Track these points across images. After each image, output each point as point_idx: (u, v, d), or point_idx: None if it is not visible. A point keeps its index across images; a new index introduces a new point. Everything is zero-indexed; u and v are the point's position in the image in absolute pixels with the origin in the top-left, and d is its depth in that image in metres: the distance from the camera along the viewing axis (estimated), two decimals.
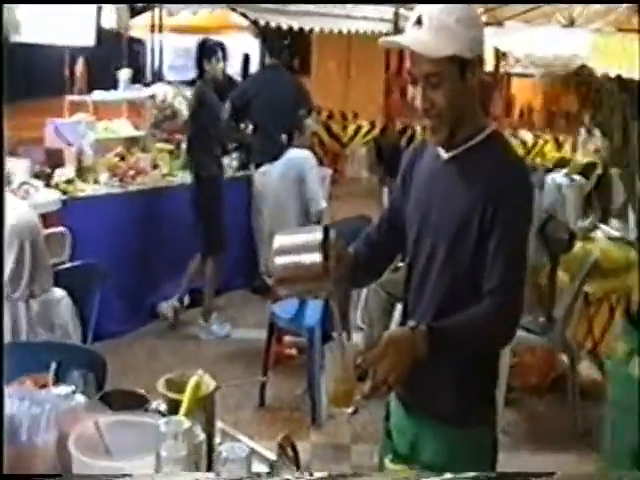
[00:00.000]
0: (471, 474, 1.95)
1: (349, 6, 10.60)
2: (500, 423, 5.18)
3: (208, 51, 7.02)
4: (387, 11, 11.22)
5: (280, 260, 2.35)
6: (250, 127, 7.81)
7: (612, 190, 7.37)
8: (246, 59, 12.42)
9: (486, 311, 2.38)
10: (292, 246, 2.37)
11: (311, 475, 2.16)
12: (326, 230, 2.38)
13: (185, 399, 2.27)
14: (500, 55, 13.37)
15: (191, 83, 9.12)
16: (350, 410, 2.38)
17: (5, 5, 6.17)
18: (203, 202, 6.78)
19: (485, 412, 2.61)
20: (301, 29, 10.36)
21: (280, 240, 2.39)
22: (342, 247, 2.52)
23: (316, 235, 2.35)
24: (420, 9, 2.39)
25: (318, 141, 13.44)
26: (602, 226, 6.47)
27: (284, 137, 6.85)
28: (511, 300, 2.40)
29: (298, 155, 6.65)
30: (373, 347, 2.28)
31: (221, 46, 7.13)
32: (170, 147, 7.82)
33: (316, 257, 2.30)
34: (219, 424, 2.47)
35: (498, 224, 2.37)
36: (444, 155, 2.51)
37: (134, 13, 11.24)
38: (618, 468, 2.02)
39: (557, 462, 4.67)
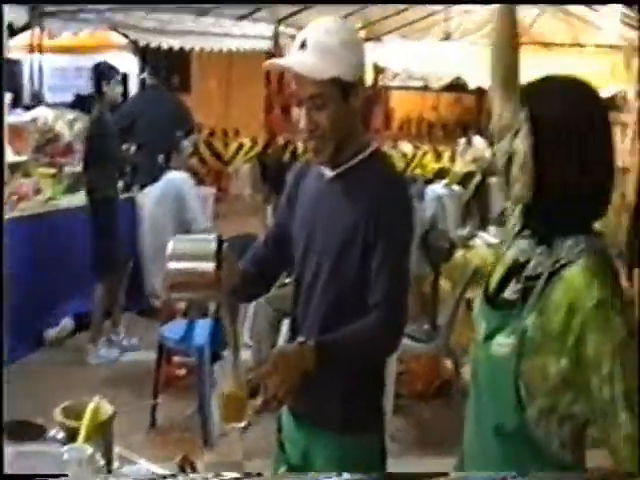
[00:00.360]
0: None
1: (228, 24, 10.64)
2: (388, 430, 5.27)
3: (107, 74, 6.98)
4: (267, 29, 11.32)
5: (174, 265, 2.41)
6: (133, 148, 7.77)
7: (490, 198, 7.58)
8: (125, 78, 12.30)
9: (371, 324, 2.45)
10: (186, 253, 2.44)
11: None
12: (219, 240, 2.45)
13: (84, 426, 2.27)
14: (379, 69, 13.59)
15: (72, 105, 9.05)
16: (242, 425, 2.41)
17: None
18: (98, 225, 6.71)
19: (373, 419, 2.68)
20: (181, 48, 10.37)
21: (174, 246, 2.45)
22: (233, 259, 2.57)
23: (210, 244, 2.42)
24: (305, 33, 2.47)
25: (200, 159, 13.45)
26: (481, 234, 6.65)
27: (161, 158, 6.84)
28: (395, 313, 2.49)
29: (176, 177, 6.62)
30: (263, 363, 2.33)
31: (116, 69, 7.12)
32: (53, 171, 7.68)
33: (209, 265, 2.37)
34: (116, 448, 2.47)
35: (380, 239, 2.45)
36: (328, 174, 2.58)
37: (12, 33, 11.02)
38: (484, 449, 2.13)
39: (446, 466, 4.77)
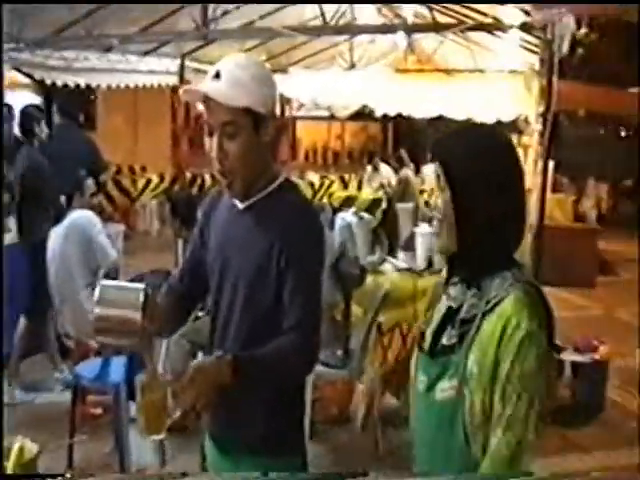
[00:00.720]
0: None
1: (134, 60, 10.63)
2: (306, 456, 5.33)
3: (37, 115, 7.11)
4: (173, 64, 11.34)
5: (101, 311, 2.45)
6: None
7: (398, 224, 7.70)
8: None
9: (286, 345, 2.51)
10: (114, 300, 2.47)
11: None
12: (146, 291, 2.50)
13: (10, 465, 2.27)
14: (285, 100, 13.70)
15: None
16: (162, 436, 2.44)
17: None
18: (30, 265, 6.66)
19: (295, 442, 2.74)
20: (87, 85, 10.31)
21: (102, 291, 2.48)
22: (157, 307, 2.60)
23: (139, 294, 2.47)
24: (218, 65, 2.52)
25: (107, 197, 13.36)
26: (390, 259, 6.75)
27: (63, 199, 6.79)
28: (308, 337, 2.55)
29: (80, 216, 6.54)
30: (181, 376, 2.36)
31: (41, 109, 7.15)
32: None
33: (137, 315, 2.43)
34: None
35: (292, 268, 2.53)
36: (240, 205, 2.65)
37: None
38: None
39: None
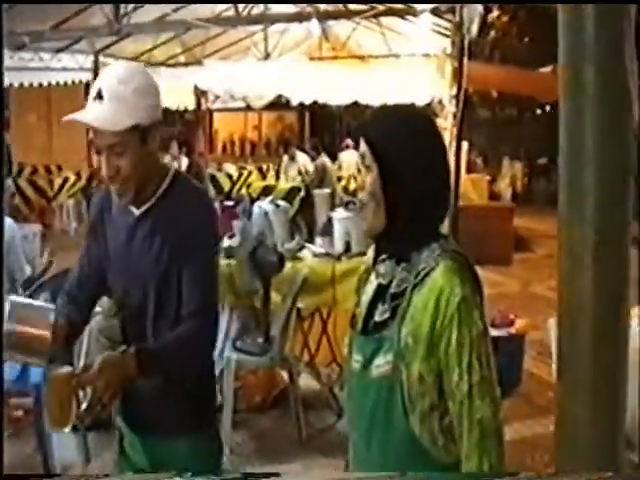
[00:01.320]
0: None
1: (47, 57, 10.53)
2: (229, 444, 5.40)
3: None
4: (87, 60, 11.24)
5: (11, 327, 2.51)
6: None
7: (315, 210, 7.75)
8: None
9: (184, 334, 2.61)
10: (25, 318, 2.55)
11: None
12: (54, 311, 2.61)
13: None
14: (200, 93, 13.65)
15: None
16: (68, 429, 2.49)
17: None
18: None
19: (207, 419, 2.85)
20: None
21: (13, 308, 2.55)
22: (62, 326, 2.66)
23: (50, 314, 2.59)
24: (99, 82, 2.55)
25: (23, 198, 13.18)
26: (309, 245, 6.81)
27: None
28: (205, 323, 2.65)
29: None
30: (88, 369, 2.43)
31: None
32: None
33: (47, 334, 2.53)
34: None
35: (186, 260, 2.61)
36: (135, 211, 2.69)
37: None
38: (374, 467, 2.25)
39: (286, 471, 4.94)
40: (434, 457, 2.11)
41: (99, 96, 2.50)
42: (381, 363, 2.10)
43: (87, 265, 2.88)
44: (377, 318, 2.16)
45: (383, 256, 2.20)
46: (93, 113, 2.51)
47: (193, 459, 2.70)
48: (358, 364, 2.18)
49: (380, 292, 2.19)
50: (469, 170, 12.81)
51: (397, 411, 2.09)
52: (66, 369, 2.46)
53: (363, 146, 2.14)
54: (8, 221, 6.30)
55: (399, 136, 2.12)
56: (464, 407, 2.04)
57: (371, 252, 2.28)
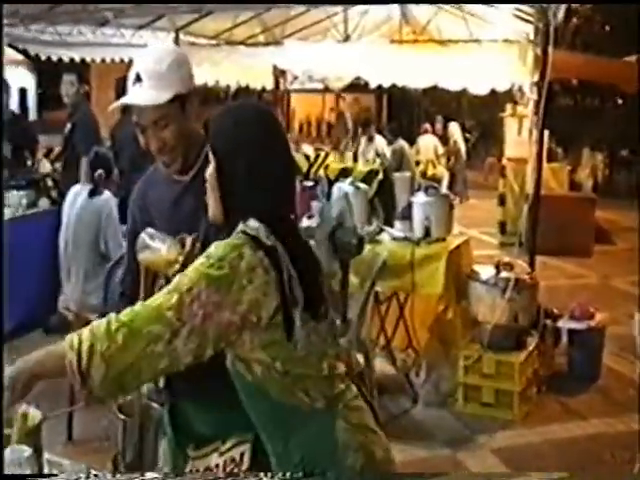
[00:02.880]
0: None
1: (128, 34, 10.60)
2: None
3: None
4: (167, 38, 11.30)
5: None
6: (48, 165, 7.66)
7: (394, 193, 7.69)
8: (23, 94, 12.16)
9: None
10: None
11: None
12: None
13: (15, 431, 2.29)
14: (279, 72, 13.64)
15: None
16: None
17: None
18: None
19: None
20: (82, 60, 10.29)
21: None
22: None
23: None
24: (136, 67, 2.69)
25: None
26: (387, 228, 6.76)
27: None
28: None
29: (101, 199, 6.32)
30: None
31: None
32: None
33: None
34: (45, 455, 2.49)
35: None
36: (182, 179, 2.80)
37: None
38: None
39: None
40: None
41: (138, 79, 2.66)
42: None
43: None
44: None
45: None
46: (135, 95, 2.67)
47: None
48: None
49: None
50: (549, 159, 12.60)
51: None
52: None
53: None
54: (106, 194, 6.32)
55: (226, 131, 2.31)
56: None
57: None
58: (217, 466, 2.77)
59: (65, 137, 7.64)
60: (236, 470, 2.74)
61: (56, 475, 2.15)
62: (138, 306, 2.17)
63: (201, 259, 2.19)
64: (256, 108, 2.45)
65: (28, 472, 2.11)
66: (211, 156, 2.33)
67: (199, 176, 2.70)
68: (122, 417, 2.44)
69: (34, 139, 8.32)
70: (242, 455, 2.73)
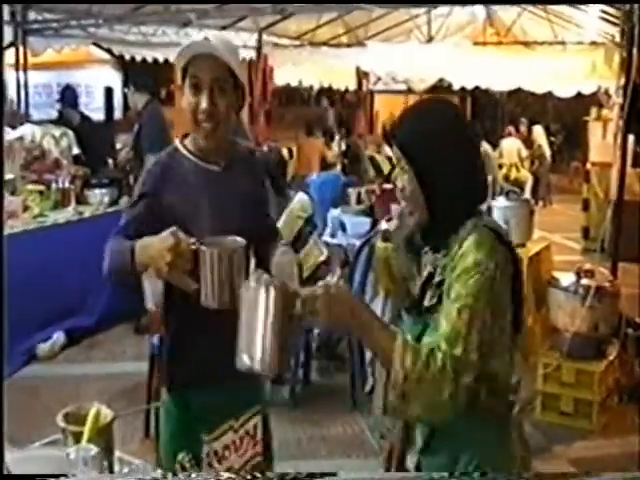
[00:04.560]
0: None
1: (212, 35, 10.70)
2: (380, 430, 5.35)
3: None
4: (250, 38, 11.40)
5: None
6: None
7: None
8: (109, 93, 12.35)
9: None
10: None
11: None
12: None
13: (86, 429, 2.32)
14: (362, 74, 13.66)
15: (56, 122, 9.10)
16: None
17: None
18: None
19: None
20: (166, 59, 10.42)
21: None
22: None
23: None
24: (200, 35, 2.77)
25: None
26: None
27: None
28: None
29: None
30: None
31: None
32: (40, 188, 7.68)
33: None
34: (117, 453, 2.53)
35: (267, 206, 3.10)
36: (213, 168, 2.86)
37: None
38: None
39: None
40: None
41: (205, 39, 2.73)
42: (430, 340, 2.19)
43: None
44: (426, 304, 2.28)
45: (426, 248, 2.34)
46: (208, 44, 2.72)
47: None
48: None
49: (428, 280, 2.29)
50: (635, 164, 12.34)
51: None
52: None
53: (396, 150, 2.28)
54: None
55: (427, 136, 2.24)
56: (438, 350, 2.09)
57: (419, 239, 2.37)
58: (233, 443, 2.87)
59: (134, 137, 7.77)
60: (252, 443, 2.91)
61: (66, 475, 2.17)
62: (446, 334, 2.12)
63: (469, 268, 2.13)
64: (448, 106, 2.38)
65: (94, 471, 2.14)
66: (405, 165, 2.26)
67: (230, 169, 2.88)
68: None
69: (105, 140, 8.44)
70: (255, 427, 2.90)
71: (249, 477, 2.65)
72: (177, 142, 2.94)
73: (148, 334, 6.97)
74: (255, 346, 2.09)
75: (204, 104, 2.70)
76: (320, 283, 2.17)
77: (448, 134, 2.26)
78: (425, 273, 2.32)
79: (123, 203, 7.79)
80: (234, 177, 2.90)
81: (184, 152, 2.88)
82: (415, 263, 2.39)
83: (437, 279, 2.24)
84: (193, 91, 2.72)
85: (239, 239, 2.47)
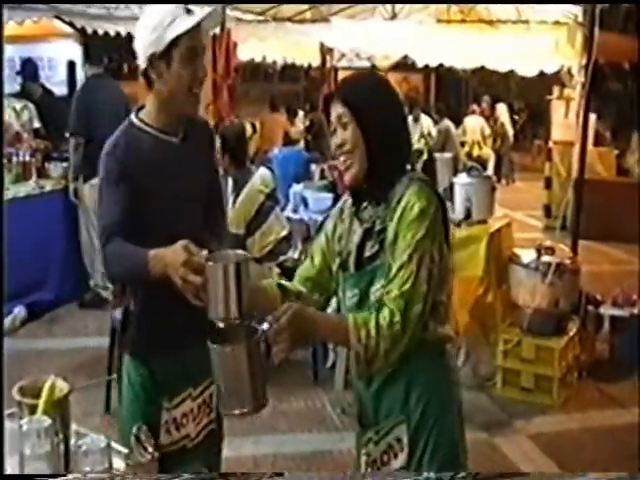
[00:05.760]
0: None
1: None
2: (341, 404, 5.40)
3: None
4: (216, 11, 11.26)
5: None
6: (73, 141, 7.68)
7: (436, 173, 7.64)
8: (71, 67, 12.19)
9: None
10: None
11: None
12: None
13: (41, 402, 2.31)
14: (326, 50, 13.59)
15: (17, 95, 8.97)
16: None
17: None
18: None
19: None
20: (129, 34, 10.28)
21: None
22: None
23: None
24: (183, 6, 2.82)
25: None
26: None
27: None
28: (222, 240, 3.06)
29: None
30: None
31: None
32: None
33: None
34: (73, 426, 2.51)
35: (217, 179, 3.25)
36: (172, 140, 2.91)
37: None
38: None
39: None
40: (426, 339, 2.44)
41: (188, 12, 2.80)
42: (378, 287, 2.42)
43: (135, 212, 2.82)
44: (367, 254, 2.49)
45: (364, 203, 2.54)
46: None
47: None
48: (355, 298, 2.50)
49: (366, 234, 2.50)
50: (597, 143, 12.44)
51: None
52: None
53: (339, 107, 2.48)
54: None
55: (372, 92, 2.51)
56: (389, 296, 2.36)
57: (350, 202, 2.61)
58: (191, 410, 2.98)
59: None
60: (207, 411, 3.02)
61: (64, 475, 2.16)
62: (400, 291, 2.34)
63: (417, 216, 2.35)
64: (382, 76, 2.90)
65: (47, 443, 2.12)
66: (350, 121, 2.46)
67: (187, 139, 2.94)
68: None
69: (66, 113, 8.35)
70: (211, 396, 2.99)
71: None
72: (132, 117, 2.92)
73: (94, 309, 7.02)
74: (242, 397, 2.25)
75: (202, 72, 2.84)
76: (276, 315, 2.25)
77: (389, 94, 2.57)
78: (365, 225, 2.52)
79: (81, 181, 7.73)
80: (191, 148, 2.95)
81: (142, 126, 2.88)
82: (349, 222, 2.57)
83: (378, 228, 2.46)
84: (188, 60, 2.79)
85: (241, 252, 2.50)
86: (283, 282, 2.67)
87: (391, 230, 2.40)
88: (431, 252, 2.36)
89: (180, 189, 2.88)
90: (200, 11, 2.81)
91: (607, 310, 6.64)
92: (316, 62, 14.12)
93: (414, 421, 2.49)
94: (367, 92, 2.52)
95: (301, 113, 14.93)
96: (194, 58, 2.80)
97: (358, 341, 2.32)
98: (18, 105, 8.39)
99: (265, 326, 2.23)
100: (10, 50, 12.10)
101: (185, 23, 2.76)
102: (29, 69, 9.49)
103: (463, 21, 12.29)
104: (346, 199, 2.65)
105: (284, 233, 6.20)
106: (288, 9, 12.10)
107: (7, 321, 6.85)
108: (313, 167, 8.35)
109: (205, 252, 2.48)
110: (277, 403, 5.67)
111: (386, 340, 2.32)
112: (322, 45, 13.09)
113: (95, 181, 7.07)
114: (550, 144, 13.10)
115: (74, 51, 12.86)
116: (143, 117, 2.89)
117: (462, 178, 6.71)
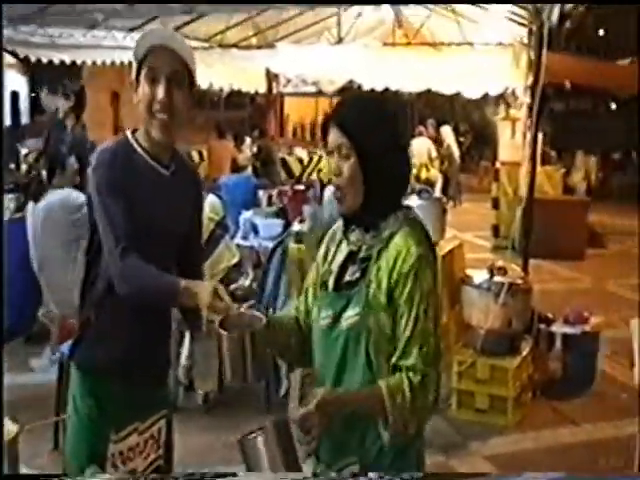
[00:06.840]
0: None
1: (120, 36, 10.56)
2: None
3: None
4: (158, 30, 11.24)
5: None
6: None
7: None
8: (14, 97, 12.08)
9: None
10: None
11: None
12: None
13: None
14: (272, 76, 13.60)
15: None
16: None
17: None
18: None
19: None
20: (73, 62, 10.22)
21: None
22: None
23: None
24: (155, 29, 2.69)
25: None
26: None
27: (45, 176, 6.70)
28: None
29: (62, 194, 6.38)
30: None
31: None
32: None
33: None
34: (22, 469, 2.43)
35: (199, 219, 3.15)
36: (163, 172, 2.85)
37: None
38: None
39: None
40: None
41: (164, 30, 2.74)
42: (351, 315, 2.39)
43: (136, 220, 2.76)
44: (348, 278, 2.46)
45: (353, 226, 2.48)
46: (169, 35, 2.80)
47: None
48: (327, 319, 2.46)
49: (350, 256, 2.47)
50: (543, 162, 12.57)
51: (361, 357, 2.39)
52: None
53: (339, 137, 2.39)
54: (68, 191, 6.36)
55: (373, 125, 2.40)
56: (401, 354, 2.34)
57: (340, 222, 2.57)
58: (137, 445, 2.91)
59: (44, 141, 7.68)
60: (155, 446, 2.96)
61: (57, 476, 2.10)
62: (424, 348, 2.33)
63: (420, 264, 2.34)
64: (391, 101, 2.60)
65: None
66: (350, 151, 2.39)
67: (176, 175, 2.88)
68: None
69: (10, 145, 8.23)
70: (160, 431, 2.97)
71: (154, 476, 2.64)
72: (128, 134, 2.87)
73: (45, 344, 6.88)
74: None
75: (161, 94, 2.70)
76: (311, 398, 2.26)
77: (392, 124, 2.46)
78: (351, 247, 2.48)
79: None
80: (180, 183, 2.91)
81: (136, 147, 2.83)
82: (339, 242, 2.53)
83: (362, 255, 2.43)
84: (150, 82, 2.72)
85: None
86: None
87: (384, 272, 2.36)
88: (435, 300, 2.39)
89: (163, 218, 2.83)
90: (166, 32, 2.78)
91: (559, 328, 6.67)
92: (262, 88, 14.11)
93: (370, 459, 2.45)
94: (370, 123, 2.41)
95: (248, 140, 14.88)
96: (155, 80, 2.72)
97: (393, 405, 2.30)
98: None
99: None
100: None
101: (142, 41, 2.75)
102: None
103: (408, 44, 12.37)
104: (339, 224, 2.60)
105: (234, 260, 6.14)
106: (234, 35, 12.10)
107: None
108: (261, 193, 8.33)
109: (228, 299, 2.50)
110: (230, 434, 5.57)
111: (421, 400, 2.32)
112: (268, 71, 13.09)
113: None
114: (497, 164, 13.20)
115: (17, 81, 12.76)
116: (138, 137, 2.83)
117: (413, 200, 6.70)
